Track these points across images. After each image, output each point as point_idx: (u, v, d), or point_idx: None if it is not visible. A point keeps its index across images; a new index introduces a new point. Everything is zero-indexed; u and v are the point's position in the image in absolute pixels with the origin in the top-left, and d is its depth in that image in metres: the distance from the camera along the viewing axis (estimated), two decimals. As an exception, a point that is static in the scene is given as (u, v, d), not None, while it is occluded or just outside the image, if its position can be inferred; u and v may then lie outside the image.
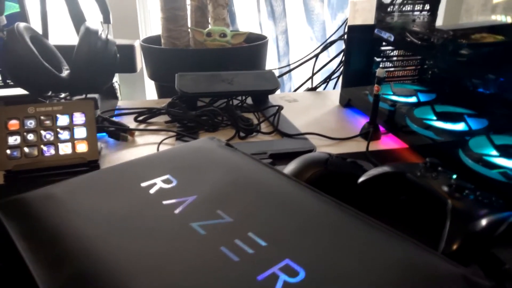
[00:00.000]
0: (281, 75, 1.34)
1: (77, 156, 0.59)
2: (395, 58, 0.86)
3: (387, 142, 0.71)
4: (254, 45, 1.13)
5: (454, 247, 0.39)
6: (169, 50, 1.12)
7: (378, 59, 0.85)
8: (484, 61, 0.62)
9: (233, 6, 1.52)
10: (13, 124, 0.57)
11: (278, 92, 0.87)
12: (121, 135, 0.71)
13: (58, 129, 0.59)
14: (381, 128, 0.73)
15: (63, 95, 0.74)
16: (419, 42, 0.68)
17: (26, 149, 0.57)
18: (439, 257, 0.32)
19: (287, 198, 0.39)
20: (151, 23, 1.50)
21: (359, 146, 0.70)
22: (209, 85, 0.83)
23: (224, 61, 1.07)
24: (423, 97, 0.78)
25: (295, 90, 1.16)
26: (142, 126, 0.79)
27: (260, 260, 0.31)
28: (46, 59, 0.66)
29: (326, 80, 1.11)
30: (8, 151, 0.57)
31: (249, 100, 0.89)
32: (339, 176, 0.51)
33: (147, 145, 0.70)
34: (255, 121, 0.77)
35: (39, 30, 0.73)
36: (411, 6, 0.80)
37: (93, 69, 0.68)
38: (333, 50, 1.33)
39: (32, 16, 0.80)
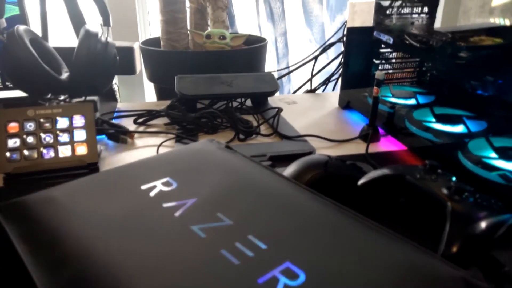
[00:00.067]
0: (280, 77, 1.35)
1: (76, 159, 0.59)
2: (394, 60, 0.86)
3: (386, 144, 0.71)
4: (253, 47, 1.13)
5: (454, 249, 0.39)
6: (169, 52, 1.12)
7: (377, 61, 0.85)
8: (483, 64, 0.62)
9: (232, 8, 1.52)
10: (13, 126, 0.57)
11: (277, 94, 0.87)
12: (121, 137, 0.71)
13: (58, 132, 0.59)
14: (380, 130, 0.73)
15: (62, 97, 0.74)
16: (418, 45, 0.68)
17: (25, 152, 0.57)
18: (439, 259, 0.32)
19: (286, 201, 0.39)
20: (150, 25, 1.51)
21: (358, 148, 0.70)
22: (208, 87, 0.83)
23: (223, 63, 1.07)
24: (422, 99, 0.78)
25: (294, 92, 1.16)
26: (141, 128, 0.79)
27: (260, 263, 0.31)
28: (45, 61, 0.66)
29: (325, 82, 1.11)
30: (8, 154, 0.57)
31: (249, 102, 0.89)
32: (339, 179, 0.51)
33: (146, 147, 0.70)
34: (255, 123, 0.77)
35: (39, 33, 0.73)
36: (410, 8, 0.80)
37: (92, 71, 0.68)
38: (332, 52, 1.33)
39: (32, 18, 0.80)
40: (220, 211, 0.37)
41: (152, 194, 0.41)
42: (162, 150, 0.68)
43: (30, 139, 0.58)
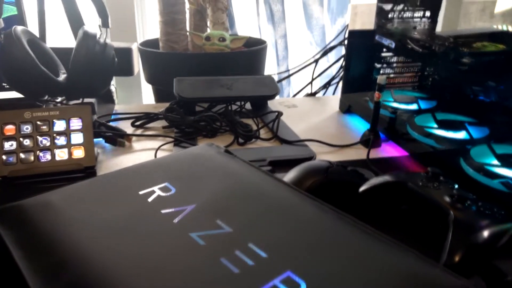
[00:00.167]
0: (280, 80, 1.34)
1: (73, 162, 0.58)
2: (395, 65, 0.86)
3: (388, 150, 0.71)
4: (253, 50, 1.12)
5: (456, 258, 0.39)
6: (167, 54, 1.12)
7: (378, 65, 0.85)
8: (485, 69, 0.62)
9: (232, 10, 1.52)
10: (9, 129, 0.57)
11: (277, 97, 0.87)
12: (118, 140, 0.70)
13: (55, 135, 0.58)
14: (381, 135, 0.72)
15: (59, 99, 0.73)
16: (421, 50, 0.67)
17: (22, 155, 0.56)
18: (441, 269, 0.32)
19: (287, 208, 0.39)
20: (148, 26, 1.50)
21: (359, 153, 0.69)
22: (207, 90, 0.82)
23: (222, 65, 1.07)
24: (423, 104, 0.78)
25: (294, 95, 1.16)
26: (139, 131, 0.78)
27: (261, 272, 0.30)
28: (43, 63, 0.65)
29: (326, 85, 1.11)
30: (4, 157, 0.56)
31: (248, 105, 0.89)
32: (340, 185, 0.51)
33: (144, 150, 0.70)
34: (254, 127, 0.77)
35: (37, 33, 0.72)
36: (411, 12, 0.80)
37: (90, 73, 0.68)
38: (332, 55, 1.33)
39: (30, 18, 0.79)
40: (220, 218, 0.37)
41: (150, 199, 0.40)
42: (160, 153, 0.68)
43: (26, 142, 0.57)
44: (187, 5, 1.14)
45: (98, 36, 0.68)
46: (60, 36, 0.91)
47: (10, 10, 0.76)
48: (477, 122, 0.67)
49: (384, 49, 0.83)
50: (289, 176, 0.52)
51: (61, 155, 0.58)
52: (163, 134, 0.76)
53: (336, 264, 0.31)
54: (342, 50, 1.11)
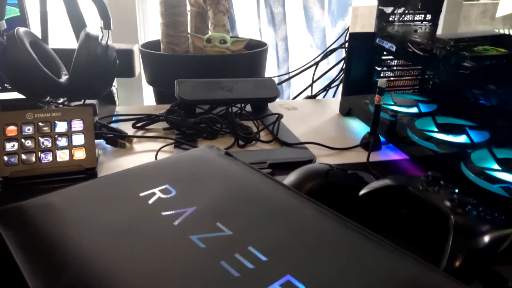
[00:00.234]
0: (280, 83, 1.34)
1: (74, 163, 0.58)
2: (395, 68, 0.86)
3: (388, 153, 0.71)
4: (254, 52, 1.12)
5: (457, 263, 0.39)
6: (169, 55, 1.12)
7: (378, 68, 0.85)
8: (486, 73, 0.61)
9: (233, 12, 1.52)
10: (11, 130, 0.57)
11: (277, 99, 0.87)
12: (119, 142, 0.70)
13: (56, 136, 0.58)
14: (381, 139, 0.72)
15: (61, 100, 0.73)
16: (422, 53, 0.67)
17: (23, 156, 0.56)
18: (441, 274, 0.32)
19: (287, 211, 0.39)
20: (150, 28, 1.50)
21: (359, 156, 0.69)
22: (208, 92, 0.82)
23: (223, 67, 1.07)
24: (424, 108, 0.78)
25: (295, 98, 1.16)
26: (140, 133, 0.78)
27: (261, 275, 0.30)
28: (45, 64, 0.65)
29: (326, 88, 1.11)
30: (5, 158, 0.56)
31: (248, 108, 0.89)
32: (340, 188, 0.51)
33: (145, 152, 0.70)
34: (255, 129, 0.77)
35: (39, 34, 0.72)
36: (412, 15, 0.80)
37: (92, 75, 0.68)
38: (333, 58, 1.33)
39: (32, 20, 0.79)
40: (220, 221, 0.37)
41: (150, 201, 0.40)
42: (161, 155, 0.68)
43: (28, 143, 0.57)
44: (188, 7, 1.14)
45: (100, 38, 0.69)
46: (62, 38, 0.91)
47: (12, 12, 0.76)
48: (478, 126, 0.67)
49: (385, 52, 0.83)
50: (289, 179, 0.52)
51: (62, 156, 0.58)
52: (163, 135, 0.76)
53: (336, 268, 0.31)
54: (343, 53, 1.11)
